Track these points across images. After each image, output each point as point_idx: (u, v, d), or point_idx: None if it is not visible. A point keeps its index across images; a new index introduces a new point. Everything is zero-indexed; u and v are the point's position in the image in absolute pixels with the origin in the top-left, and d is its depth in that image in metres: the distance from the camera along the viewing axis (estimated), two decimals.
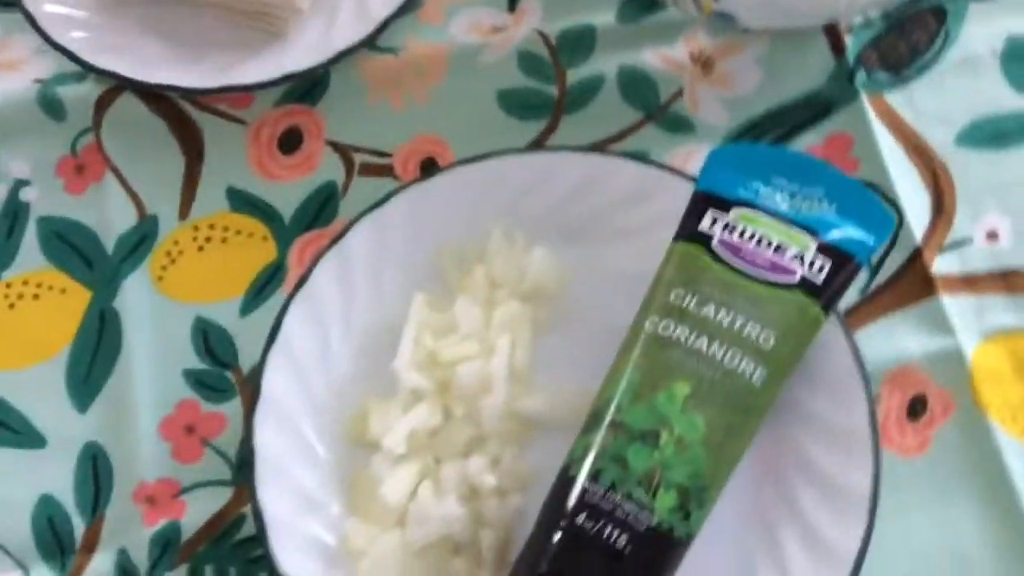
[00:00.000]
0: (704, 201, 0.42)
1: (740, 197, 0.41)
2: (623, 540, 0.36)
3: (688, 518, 0.37)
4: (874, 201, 0.43)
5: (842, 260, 0.40)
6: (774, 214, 0.41)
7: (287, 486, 0.40)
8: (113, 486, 0.43)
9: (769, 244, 0.40)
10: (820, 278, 0.40)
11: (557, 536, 0.37)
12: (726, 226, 0.41)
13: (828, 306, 0.40)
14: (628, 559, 0.36)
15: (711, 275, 0.40)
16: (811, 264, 0.40)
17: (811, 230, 0.40)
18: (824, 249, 0.40)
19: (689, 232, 0.41)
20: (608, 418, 0.38)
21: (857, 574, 0.38)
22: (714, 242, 0.40)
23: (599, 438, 0.38)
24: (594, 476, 0.37)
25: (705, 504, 0.37)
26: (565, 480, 0.38)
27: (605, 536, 0.36)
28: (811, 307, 0.39)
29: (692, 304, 0.39)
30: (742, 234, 0.40)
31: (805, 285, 0.39)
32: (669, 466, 0.37)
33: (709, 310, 0.39)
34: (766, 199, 0.41)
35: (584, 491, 0.37)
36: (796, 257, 0.40)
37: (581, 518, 0.36)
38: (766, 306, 0.39)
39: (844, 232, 0.41)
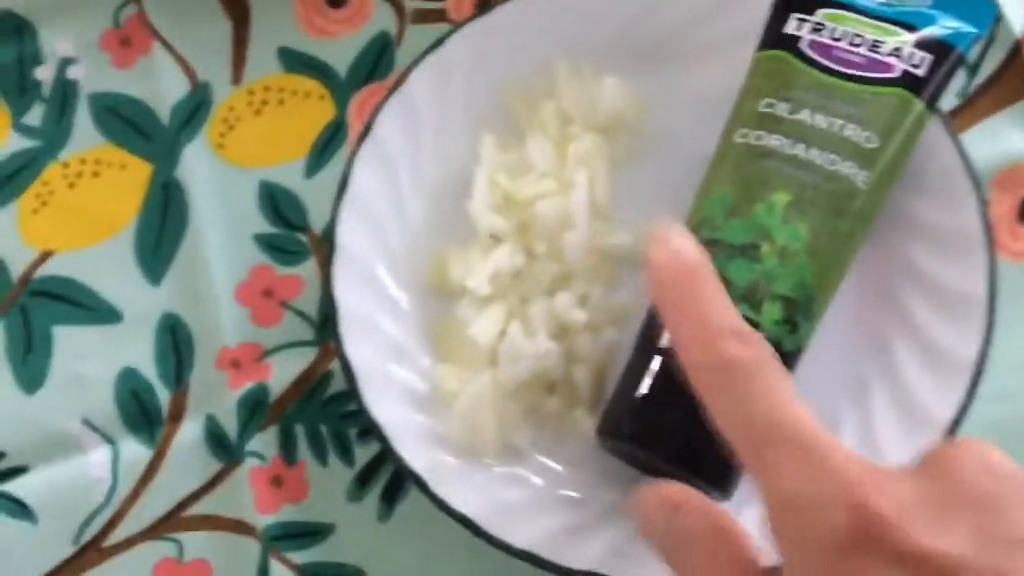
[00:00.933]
0: (787, 4, 0.39)
1: None
2: None
3: (796, 330, 0.35)
4: None
5: (943, 51, 0.37)
6: (865, 11, 0.38)
7: (373, 337, 0.39)
8: (195, 354, 0.42)
9: (863, 41, 0.37)
10: (922, 71, 0.37)
11: (655, 364, 0.35)
12: (814, 27, 0.38)
13: (932, 101, 0.37)
14: None
15: (803, 79, 0.37)
16: (911, 58, 0.37)
17: (907, 24, 0.38)
18: (923, 42, 0.37)
19: (774, 38, 0.38)
20: (703, 238, 0.36)
21: (977, 383, 0.37)
22: (803, 44, 0.38)
23: None
24: None
25: (813, 316, 0.35)
26: None
27: None
28: (915, 102, 0.37)
29: (785, 111, 0.37)
30: (832, 34, 0.38)
31: (906, 79, 0.37)
32: (773, 278, 0.35)
33: (804, 115, 0.37)
34: None
35: None
36: (894, 52, 0.37)
37: None
38: (866, 105, 0.36)
39: (943, 23, 0.38)
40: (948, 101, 0.42)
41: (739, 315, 0.28)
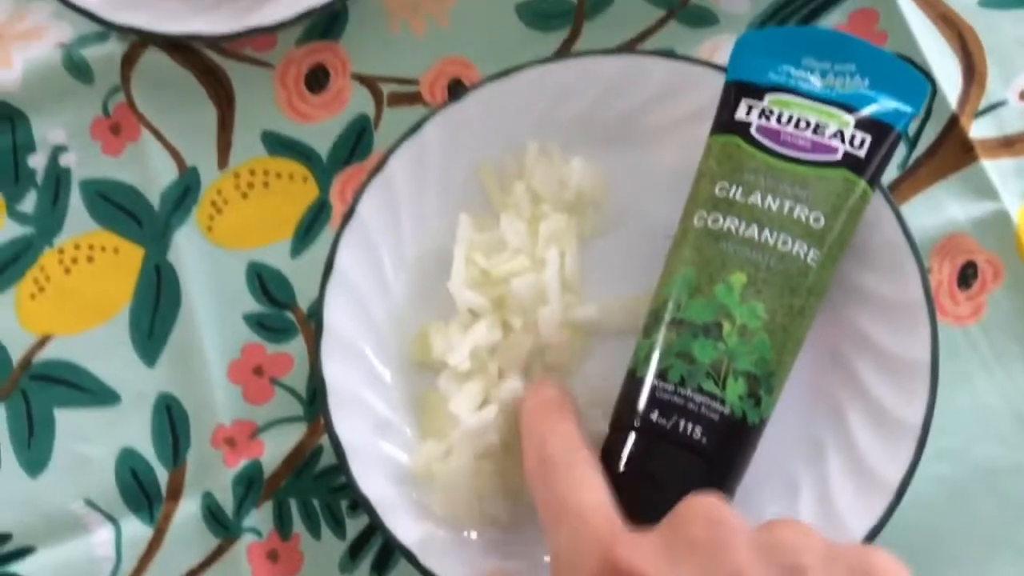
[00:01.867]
0: (737, 91, 0.42)
1: (772, 82, 0.41)
2: (698, 431, 0.37)
3: (759, 404, 0.38)
4: (907, 69, 0.43)
5: (882, 131, 0.40)
6: (808, 95, 0.41)
7: (359, 413, 0.41)
8: (191, 433, 0.44)
9: (807, 125, 0.40)
10: (862, 152, 0.40)
11: (632, 436, 0.38)
12: (762, 112, 0.41)
13: (873, 179, 0.40)
14: (706, 449, 0.37)
15: (754, 163, 0.40)
16: (852, 139, 0.40)
17: (847, 106, 0.40)
18: (863, 123, 0.40)
19: (726, 123, 0.41)
20: (668, 317, 0.39)
21: (924, 443, 0.39)
22: (752, 130, 0.40)
23: (662, 337, 0.38)
24: (662, 374, 0.38)
25: (774, 388, 0.38)
26: (633, 382, 0.39)
27: (680, 430, 0.37)
28: (857, 182, 0.40)
29: (738, 194, 0.40)
30: (779, 118, 0.40)
31: (848, 161, 0.40)
32: (735, 355, 0.38)
33: (756, 198, 0.39)
34: (799, 81, 0.41)
35: (654, 389, 0.38)
36: (836, 134, 0.40)
37: (654, 415, 0.37)
38: (812, 187, 0.39)
39: (881, 104, 0.41)
40: (890, 172, 0.45)
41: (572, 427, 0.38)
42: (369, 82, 0.48)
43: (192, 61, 0.48)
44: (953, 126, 0.46)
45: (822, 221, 0.39)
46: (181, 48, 0.48)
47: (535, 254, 0.44)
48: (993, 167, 0.45)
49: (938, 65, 0.47)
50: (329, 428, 0.40)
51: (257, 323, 0.45)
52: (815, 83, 0.41)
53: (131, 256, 0.46)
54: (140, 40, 0.48)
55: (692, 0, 0.48)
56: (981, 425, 0.42)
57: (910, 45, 0.47)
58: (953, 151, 0.46)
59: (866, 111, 0.40)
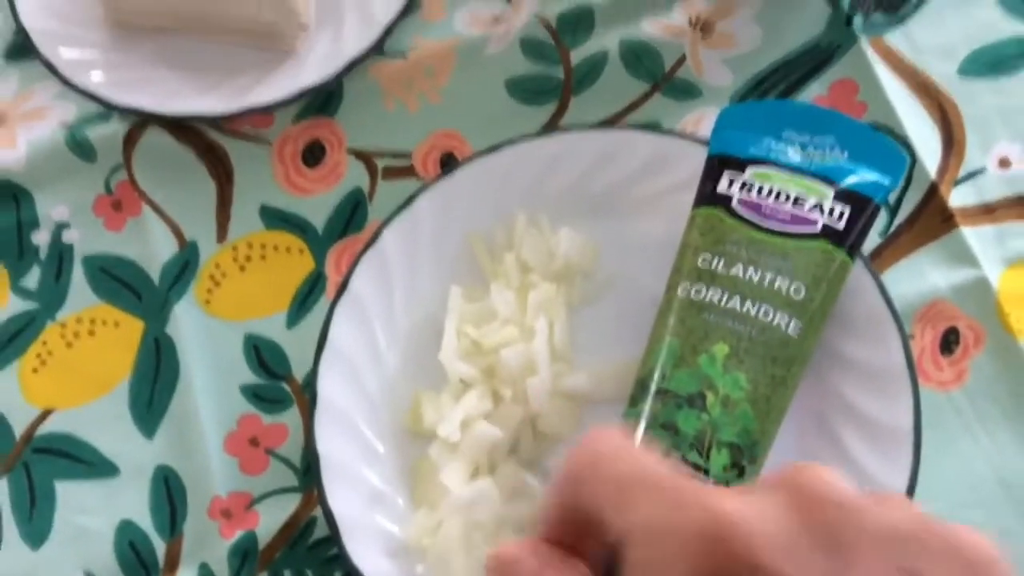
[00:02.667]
0: (719, 164, 0.43)
1: (753, 155, 0.42)
2: None
3: (743, 474, 0.38)
4: (885, 141, 0.44)
5: (861, 203, 0.41)
6: (788, 168, 0.42)
7: (352, 484, 0.42)
8: (188, 504, 0.45)
9: (788, 198, 0.41)
10: (841, 224, 0.41)
11: None
12: (743, 185, 0.42)
13: (852, 250, 0.41)
14: None
15: (735, 235, 0.41)
16: (831, 212, 0.41)
17: (827, 179, 0.42)
18: (841, 195, 0.41)
19: (708, 196, 0.42)
20: (653, 387, 0.39)
21: None
22: (734, 203, 0.42)
23: (647, 407, 0.39)
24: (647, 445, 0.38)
25: (757, 458, 0.39)
26: None
27: None
28: (836, 253, 0.41)
29: (720, 266, 0.41)
30: (760, 191, 0.42)
31: (827, 233, 0.41)
32: (718, 426, 0.38)
33: (738, 270, 0.40)
34: (779, 154, 0.42)
35: None
36: (815, 207, 0.41)
37: None
38: (793, 258, 0.40)
39: (859, 176, 0.42)
40: (871, 240, 0.46)
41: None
42: (364, 156, 0.50)
43: (192, 139, 0.50)
44: (933, 194, 0.47)
45: (803, 292, 0.40)
46: (182, 127, 0.50)
47: (524, 323, 0.45)
48: (972, 234, 0.46)
49: (917, 134, 0.48)
50: (323, 501, 0.41)
51: (253, 394, 0.46)
52: (795, 156, 0.42)
53: (131, 329, 0.47)
54: (142, 120, 0.50)
55: (676, 74, 0.50)
56: (966, 490, 0.43)
57: (889, 115, 0.48)
58: (933, 219, 0.47)
59: (845, 183, 0.42)
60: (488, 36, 0.51)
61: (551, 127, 0.50)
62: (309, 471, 0.45)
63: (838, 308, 0.42)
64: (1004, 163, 0.48)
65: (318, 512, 0.44)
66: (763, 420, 0.39)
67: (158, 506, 0.45)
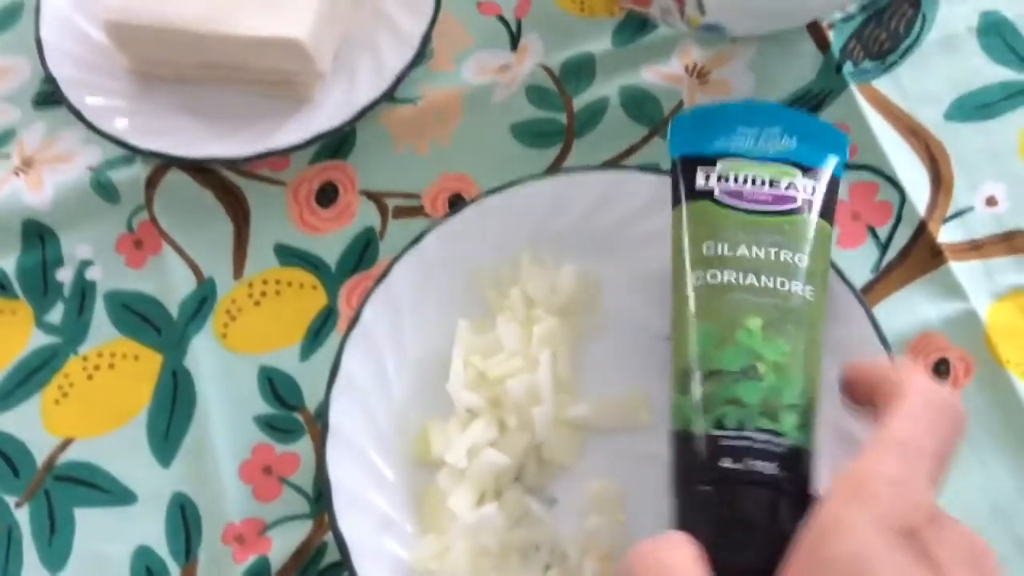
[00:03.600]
0: (686, 164, 0.45)
1: (718, 151, 0.45)
2: (773, 467, 0.37)
3: (811, 432, 0.39)
4: (824, 125, 0.48)
5: (824, 178, 0.44)
6: (752, 157, 0.44)
7: (363, 511, 0.43)
8: (202, 531, 0.46)
9: (763, 182, 0.43)
10: (816, 198, 0.43)
11: (713, 488, 0.38)
12: (720, 178, 0.44)
13: (830, 219, 0.43)
14: (782, 482, 0.37)
15: (728, 222, 0.43)
16: (804, 188, 0.43)
17: (788, 161, 0.44)
18: (807, 173, 0.44)
19: (690, 192, 0.44)
20: (700, 372, 0.40)
21: None
22: (717, 194, 0.44)
23: (700, 392, 0.40)
24: (718, 423, 0.39)
25: (816, 415, 0.40)
26: (688, 439, 0.39)
27: (756, 470, 0.37)
28: (819, 222, 0.43)
29: (725, 250, 0.42)
30: (736, 180, 0.44)
31: (807, 206, 0.43)
32: (777, 391, 0.39)
33: (743, 250, 0.42)
34: (739, 147, 0.45)
35: (716, 439, 0.38)
36: (789, 186, 0.43)
37: (727, 462, 0.38)
38: (786, 232, 0.42)
39: (815, 156, 0.44)
40: (863, 275, 0.48)
41: None
42: (375, 197, 0.52)
43: (211, 181, 0.52)
44: (922, 231, 0.49)
45: (805, 260, 0.42)
46: (202, 170, 0.52)
47: (529, 355, 0.46)
48: (961, 269, 0.48)
49: (907, 175, 0.50)
50: (334, 527, 0.42)
51: (267, 424, 0.48)
52: (754, 146, 0.45)
53: (150, 362, 0.49)
54: (164, 163, 0.52)
55: (673, 118, 0.52)
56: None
57: (879, 157, 0.50)
58: (923, 254, 0.48)
59: (805, 163, 0.44)
60: (494, 84, 0.54)
61: (555, 169, 0.52)
62: (320, 498, 0.46)
63: (831, 338, 0.43)
64: (991, 201, 0.49)
65: (329, 537, 0.45)
66: (812, 379, 0.40)
67: (174, 532, 0.46)
